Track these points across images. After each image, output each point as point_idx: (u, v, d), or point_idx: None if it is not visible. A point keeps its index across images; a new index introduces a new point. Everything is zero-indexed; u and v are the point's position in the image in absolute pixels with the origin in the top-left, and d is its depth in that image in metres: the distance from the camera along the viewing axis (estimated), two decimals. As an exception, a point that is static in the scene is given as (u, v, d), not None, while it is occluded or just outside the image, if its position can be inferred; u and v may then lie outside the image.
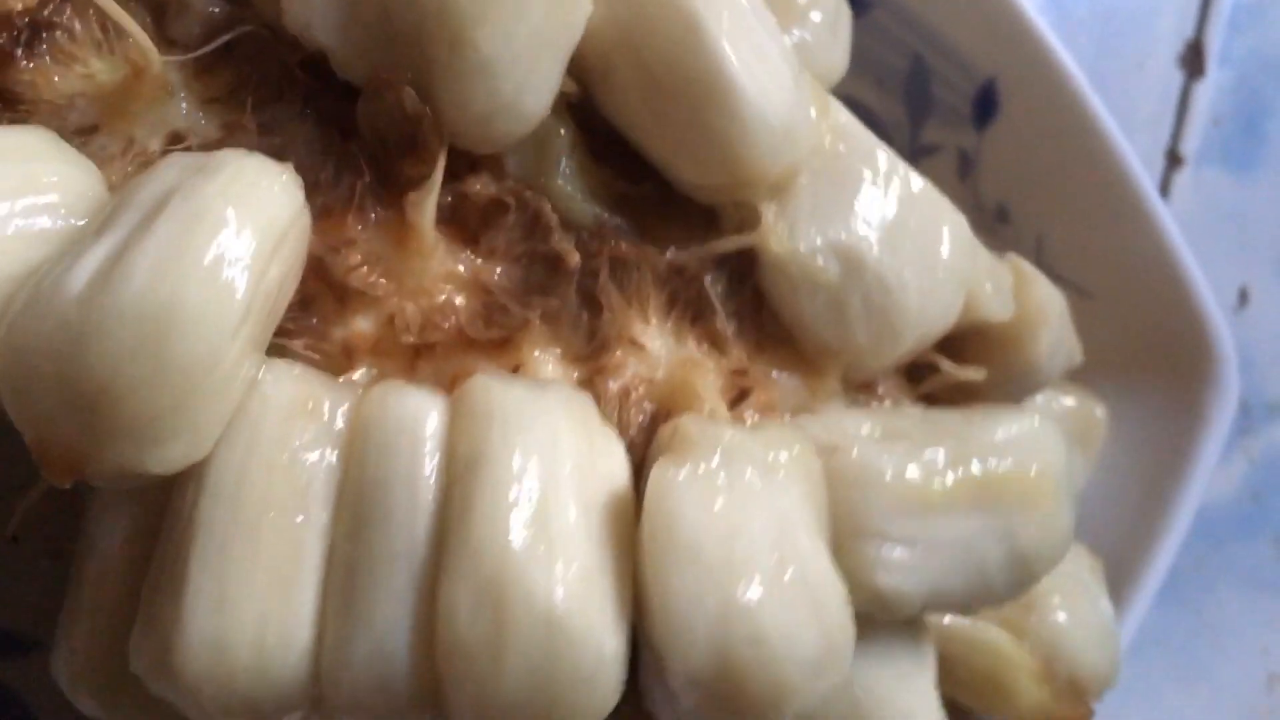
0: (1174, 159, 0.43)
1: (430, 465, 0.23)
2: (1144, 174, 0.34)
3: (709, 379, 0.26)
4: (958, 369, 0.30)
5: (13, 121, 0.24)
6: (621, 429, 0.25)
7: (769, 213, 0.26)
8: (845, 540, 0.25)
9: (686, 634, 0.22)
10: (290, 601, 0.22)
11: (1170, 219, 0.35)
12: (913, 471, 0.25)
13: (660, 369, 0.26)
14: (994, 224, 0.36)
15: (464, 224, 0.25)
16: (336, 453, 0.23)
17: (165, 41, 0.25)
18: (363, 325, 0.24)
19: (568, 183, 0.26)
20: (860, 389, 0.29)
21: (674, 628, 0.22)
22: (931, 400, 0.30)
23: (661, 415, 0.26)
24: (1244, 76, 0.43)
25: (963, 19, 0.34)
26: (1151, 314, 0.36)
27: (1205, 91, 0.43)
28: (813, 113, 0.27)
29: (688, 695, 0.22)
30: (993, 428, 0.26)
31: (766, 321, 0.27)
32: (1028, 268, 0.31)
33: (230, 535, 0.22)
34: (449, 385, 0.24)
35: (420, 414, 0.23)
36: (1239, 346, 0.36)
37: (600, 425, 0.24)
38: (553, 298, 0.25)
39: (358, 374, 0.24)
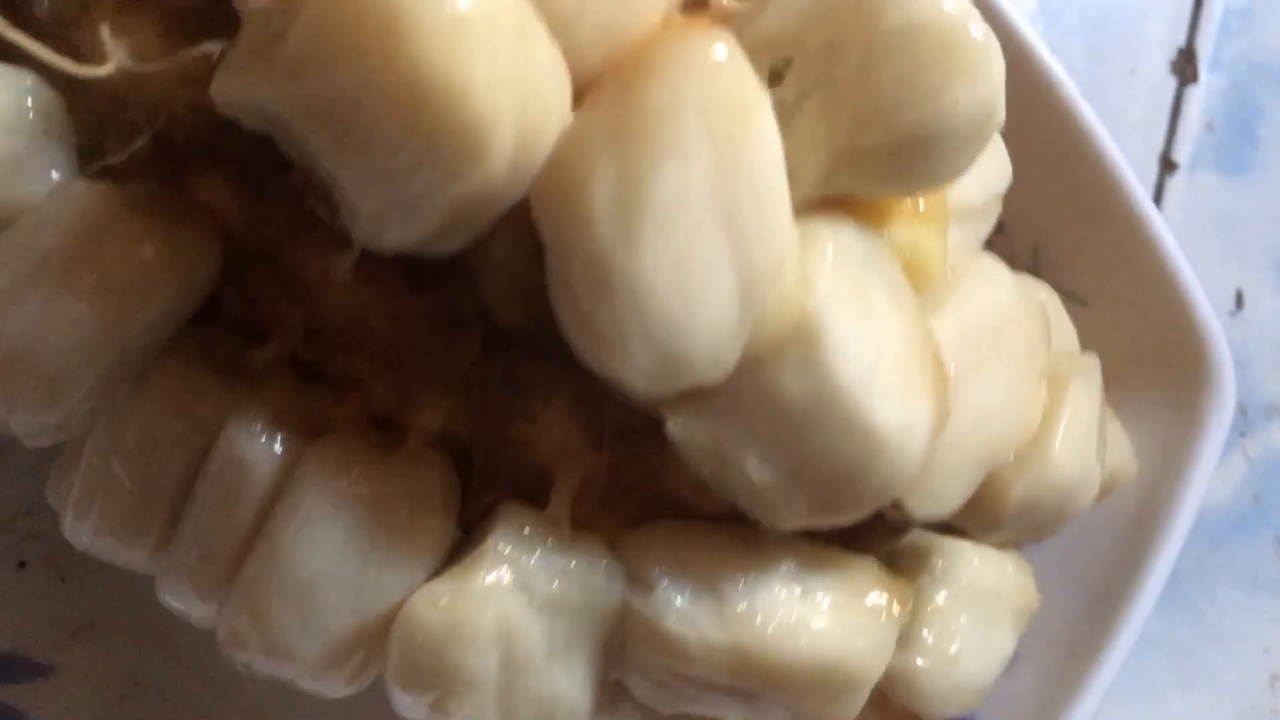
0: (1168, 164, 0.43)
1: (249, 505, 0.26)
2: (1136, 181, 0.35)
3: (573, 475, 0.27)
4: (889, 511, 0.27)
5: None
6: (491, 480, 0.27)
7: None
8: (621, 654, 0.27)
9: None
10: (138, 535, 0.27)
11: (1164, 225, 0.35)
12: (696, 650, 0.26)
13: (542, 442, 0.27)
14: (990, 236, 0.36)
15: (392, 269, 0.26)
16: (196, 445, 0.26)
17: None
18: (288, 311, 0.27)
19: (498, 280, 0.25)
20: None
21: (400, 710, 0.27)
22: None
23: (529, 478, 0.27)
24: (1235, 81, 0.44)
25: (954, 31, 0.35)
26: (1148, 320, 0.36)
27: (1197, 97, 0.43)
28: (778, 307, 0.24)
29: None
30: (799, 629, 0.26)
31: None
32: (1073, 410, 0.30)
33: (113, 476, 0.26)
34: (343, 390, 0.27)
35: (260, 464, 0.26)
36: (1235, 349, 0.36)
37: (422, 515, 0.26)
38: (451, 367, 0.26)
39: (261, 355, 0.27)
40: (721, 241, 0.23)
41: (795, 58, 0.24)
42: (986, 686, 0.32)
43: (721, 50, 0.23)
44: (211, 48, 0.24)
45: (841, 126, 0.24)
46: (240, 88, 0.22)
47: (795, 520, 0.26)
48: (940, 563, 0.30)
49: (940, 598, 0.31)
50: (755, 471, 0.25)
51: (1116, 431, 0.35)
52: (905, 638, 0.30)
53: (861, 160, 0.25)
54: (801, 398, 0.24)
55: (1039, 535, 0.32)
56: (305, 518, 0.25)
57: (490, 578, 0.26)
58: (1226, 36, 0.43)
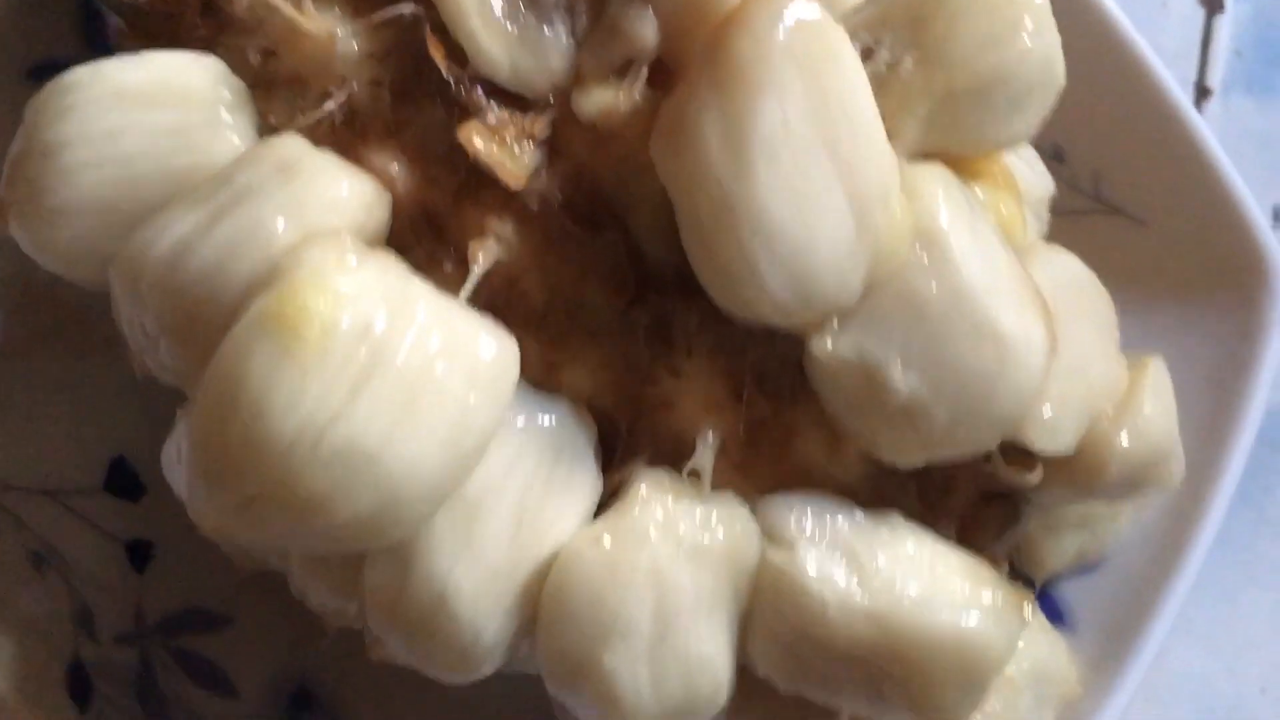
0: (1202, 91, 0.45)
1: None
2: (1190, 105, 0.37)
3: (717, 430, 0.28)
4: (1007, 470, 0.29)
5: (211, 31, 0.28)
6: (634, 448, 0.28)
7: None
8: (750, 621, 0.28)
9: (552, 673, 0.27)
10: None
11: (1215, 143, 0.37)
12: (834, 611, 0.27)
13: (685, 399, 0.28)
14: (1051, 163, 0.38)
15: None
16: None
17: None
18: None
19: (649, 226, 0.28)
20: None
21: (545, 666, 0.27)
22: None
23: (669, 437, 0.28)
24: (1260, 8, 0.46)
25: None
26: (1204, 234, 0.37)
27: (1225, 25, 0.46)
28: (891, 241, 0.26)
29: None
30: (938, 604, 0.27)
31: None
32: (1155, 381, 0.31)
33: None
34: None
35: None
36: (1278, 261, 0.38)
37: (578, 463, 0.27)
38: (605, 311, 0.28)
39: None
40: (828, 168, 0.25)
41: (883, 37, 0.28)
42: None
43: (804, 6, 0.26)
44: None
45: (936, 75, 0.28)
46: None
47: (930, 446, 0.27)
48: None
49: (1013, 669, 0.32)
50: (898, 378, 0.26)
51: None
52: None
53: (954, 105, 0.28)
54: (935, 298, 0.26)
55: (1133, 492, 0.32)
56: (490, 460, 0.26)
57: (643, 521, 0.26)
58: (1250, -34, 0.46)
